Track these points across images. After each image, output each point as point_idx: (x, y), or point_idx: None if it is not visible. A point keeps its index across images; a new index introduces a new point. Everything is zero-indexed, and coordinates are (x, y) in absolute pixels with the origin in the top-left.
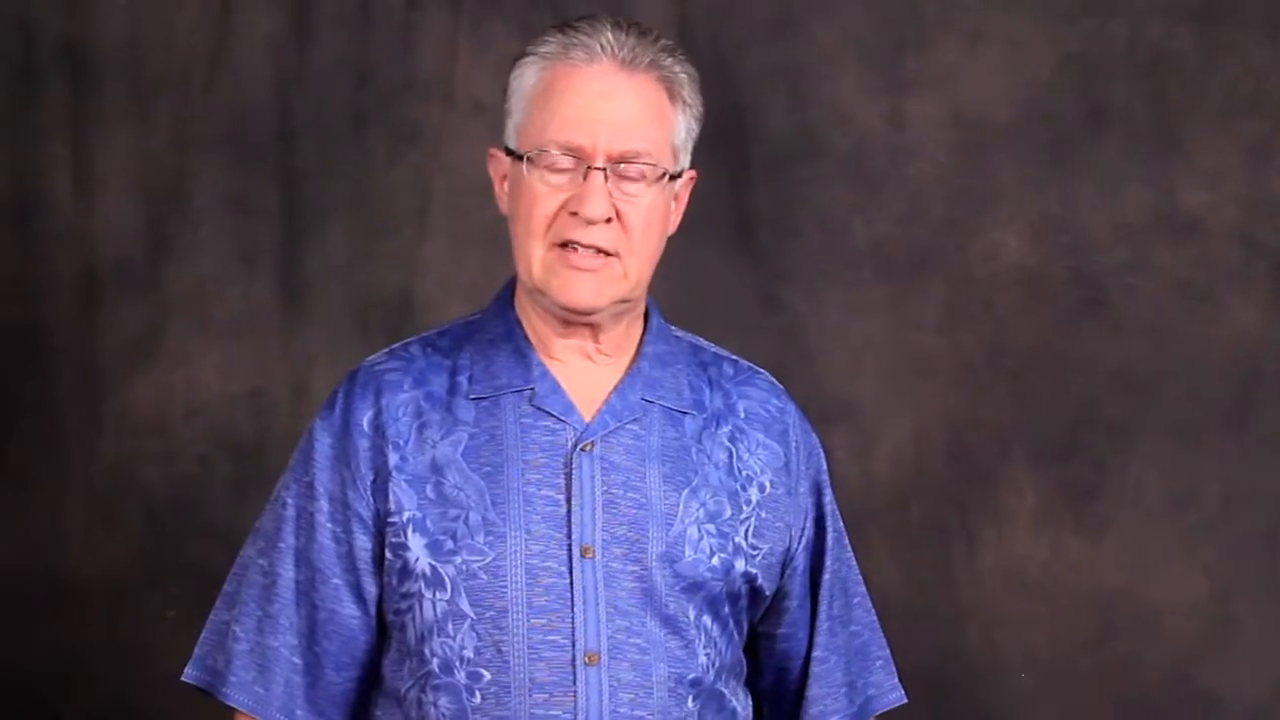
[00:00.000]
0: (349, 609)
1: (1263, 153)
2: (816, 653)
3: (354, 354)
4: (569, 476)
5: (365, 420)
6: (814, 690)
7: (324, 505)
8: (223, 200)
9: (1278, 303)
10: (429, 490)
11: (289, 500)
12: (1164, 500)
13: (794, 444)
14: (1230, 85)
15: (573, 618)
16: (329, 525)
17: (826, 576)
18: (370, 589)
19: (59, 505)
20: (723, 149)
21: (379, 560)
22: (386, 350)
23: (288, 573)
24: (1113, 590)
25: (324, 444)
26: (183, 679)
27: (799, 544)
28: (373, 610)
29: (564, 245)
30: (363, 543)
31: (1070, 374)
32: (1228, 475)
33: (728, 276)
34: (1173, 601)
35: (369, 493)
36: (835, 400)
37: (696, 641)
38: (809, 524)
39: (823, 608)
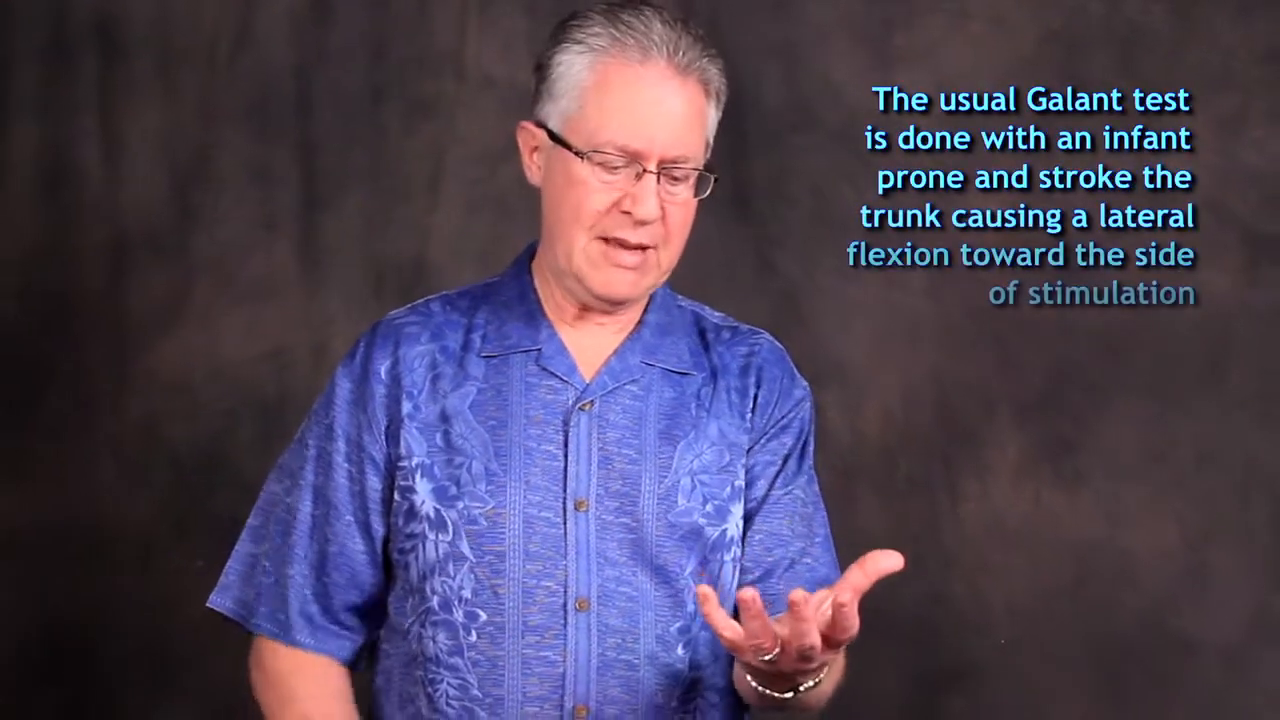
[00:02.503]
0: (357, 544)
1: (1233, 126)
2: (754, 535)
3: (370, 315)
4: (567, 433)
5: (383, 369)
6: (752, 541)
7: (341, 446)
8: (245, 170)
9: (1247, 269)
10: (438, 438)
11: (310, 441)
12: (1139, 455)
13: (780, 389)
14: (1202, 61)
15: (565, 566)
16: (345, 465)
17: (782, 492)
18: (378, 528)
19: (91, 461)
20: (721, 121)
21: (388, 501)
22: (409, 306)
23: (305, 508)
24: (1090, 539)
25: (344, 389)
26: (209, 605)
27: (764, 459)
28: (379, 548)
29: (608, 240)
30: (374, 483)
31: (1050, 336)
32: (1199, 431)
33: (725, 242)
34: (1147, 550)
35: (383, 437)
36: (827, 361)
37: (686, 592)
38: (779, 446)
39: (777, 518)
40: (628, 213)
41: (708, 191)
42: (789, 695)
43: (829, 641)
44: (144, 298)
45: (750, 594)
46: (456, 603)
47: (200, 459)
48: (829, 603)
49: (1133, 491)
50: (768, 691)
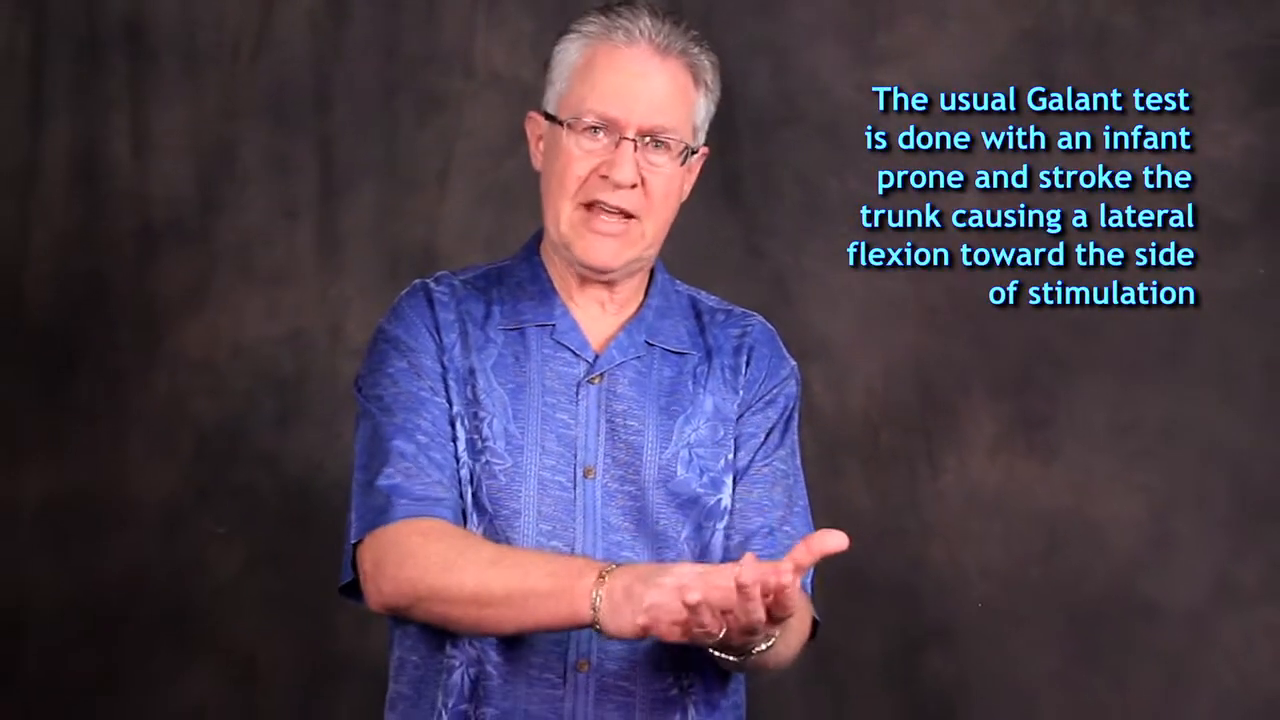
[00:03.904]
0: (448, 437)
1: (1196, 119)
2: (736, 504)
3: (384, 299)
4: (578, 404)
5: (426, 323)
6: (736, 517)
7: (415, 382)
8: (266, 161)
9: (1209, 253)
10: (467, 391)
11: (382, 393)
12: (1107, 429)
13: (768, 366)
14: (1167, 58)
15: (574, 529)
16: (430, 396)
17: (763, 464)
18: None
19: (121, 434)
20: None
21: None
22: (434, 276)
23: (396, 443)
24: (1061, 509)
25: (397, 338)
26: (354, 541)
27: (748, 431)
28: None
29: (590, 206)
30: (446, 407)
31: (1024, 316)
32: (1164, 407)
33: (718, 230)
34: (1115, 519)
35: (439, 367)
36: (814, 340)
37: (682, 557)
38: (763, 420)
39: (759, 487)
40: (606, 177)
41: (688, 160)
42: (742, 659)
43: (770, 617)
44: (171, 282)
45: (696, 598)
46: None
47: (223, 433)
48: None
49: (1101, 463)
50: (722, 656)
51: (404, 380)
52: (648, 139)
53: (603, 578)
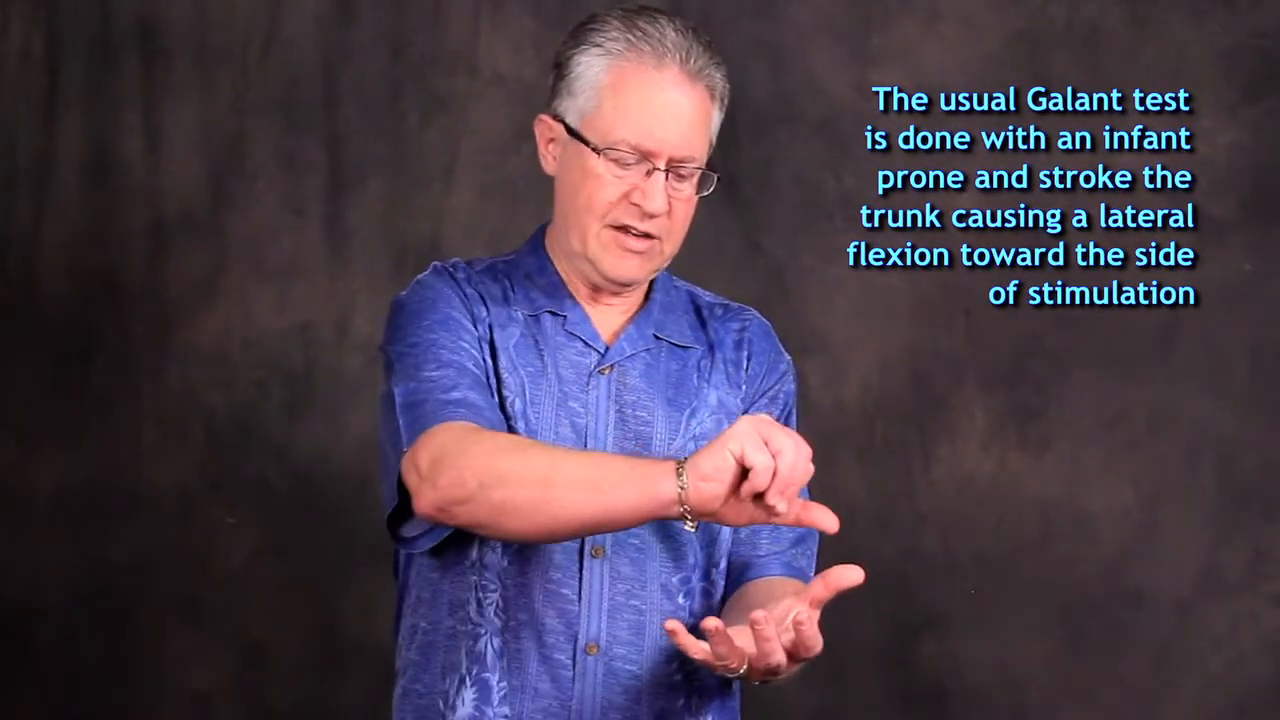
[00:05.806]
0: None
1: (1184, 117)
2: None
3: (390, 292)
4: (588, 394)
5: (454, 291)
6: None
7: (447, 333)
8: (276, 158)
9: (1197, 249)
10: (490, 360)
11: (415, 342)
12: (1097, 421)
13: (768, 362)
14: (1156, 58)
15: None
16: (460, 346)
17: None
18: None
19: (133, 425)
20: None
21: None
22: (449, 262)
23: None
24: (1052, 499)
25: (428, 298)
26: (388, 512)
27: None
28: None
29: (618, 228)
30: (479, 358)
31: (1015, 310)
32: (1152, 400)
33: (716, 226)
34: (1104, 509)
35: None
36: (810, 334)
37: (688, 546)
38: (763, 411)
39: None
40: (637, 205)
41: (710, 190)
42: (764, 683)
43: (793, 658)
44: (182, 276)
45: (714, 624)
46: None
47: (234, 424)
48: (791, 617)
49: (1091, 454)
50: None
51: (438, 329)
52: (675, 167)
53: (681, 461)
